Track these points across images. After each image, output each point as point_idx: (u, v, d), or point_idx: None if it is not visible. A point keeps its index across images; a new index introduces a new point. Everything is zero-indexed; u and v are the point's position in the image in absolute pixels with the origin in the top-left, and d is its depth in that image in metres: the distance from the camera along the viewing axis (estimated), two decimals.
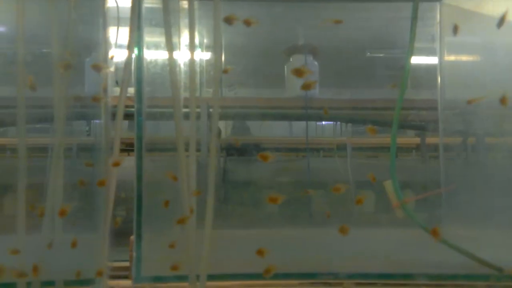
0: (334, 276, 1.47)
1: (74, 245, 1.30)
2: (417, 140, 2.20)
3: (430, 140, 2.14)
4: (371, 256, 1.67)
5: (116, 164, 1.51)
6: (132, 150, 1.80)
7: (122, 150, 1.97)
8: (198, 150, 1.81)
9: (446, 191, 1.81)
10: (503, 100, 1.25)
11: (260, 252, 1.43)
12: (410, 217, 1.65)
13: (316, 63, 2.17)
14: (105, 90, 1.58)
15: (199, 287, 1.67)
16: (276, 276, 1.67)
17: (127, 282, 1.60)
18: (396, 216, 1.66)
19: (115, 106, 1.71)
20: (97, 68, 1.41)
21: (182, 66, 1.85)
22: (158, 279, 1.66)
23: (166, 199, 1.76)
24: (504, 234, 1.69)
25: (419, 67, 1.94)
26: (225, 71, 1.68)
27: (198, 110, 1.91)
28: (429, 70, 1.97)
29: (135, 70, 1.74)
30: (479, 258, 1.65)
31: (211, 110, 2.12)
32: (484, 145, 1.89)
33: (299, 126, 2.34)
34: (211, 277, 1.67)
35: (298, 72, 1.36)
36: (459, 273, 1.70)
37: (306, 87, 1.29)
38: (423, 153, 2.18)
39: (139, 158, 1.63)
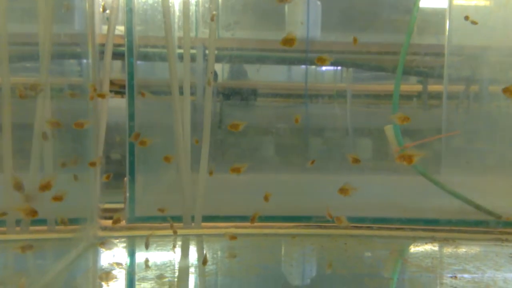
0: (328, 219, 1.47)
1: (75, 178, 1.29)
2: (419, 87, 2.13)
3: (432, 88, 2.08)
4: (367, 201, 1.66)
5: (102, 96, 1.45)
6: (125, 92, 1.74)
7: (116, 92, 1.92)
8: (193, 93, 1.76)
9: (449, 136, 1.77)
10: None
11: (265, 198, 1.43)
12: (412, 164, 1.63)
13: (319, 2, 2.06)
14: (92, 28, 1.50)
15: (194, 227, 1.69)
16: (273, 219, 1.68)
17: (123, 217, 1.61)
18: (396, 161, 1.64)
19: (103, 45, 1.63)
20: None
21: (175, 4, 1.76)
22: (151, 219, 1.67)
23: (160, 141, 1.73)
24: (504, 182, 1.68)
25: (426, 10, 1.84)
26: (211, 19, 1.60)
27: (193, 51, 1.84)
28: (437, 13, 1.87)
29: (125, 6, 1.64)
30: (478, 204, 1.65)
31: (207, 51, 2.05)
32: (488, 93, 1.83)
33: (298, 71, 2.26)
34: (206, 219, 1.68)
35: (320, 60, 1.29)
36: (456, 218, 1.71)
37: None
38: (424, 100, 2.13)
39: (131, 99, 1.58)
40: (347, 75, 2.24)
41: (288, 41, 1.19)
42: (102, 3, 1.54)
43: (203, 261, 1.26)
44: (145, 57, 1.69)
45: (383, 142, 1.71)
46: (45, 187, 1.05)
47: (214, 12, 1.57)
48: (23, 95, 1.13)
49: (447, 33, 1.81)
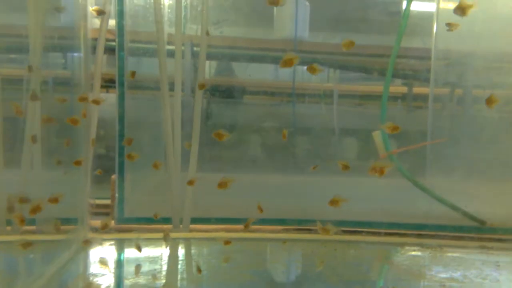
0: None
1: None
2: (403, 89, 2.17)
3: (418, 90, 2.12)
4: (352, 204, 1.68)
5: (96, 103, 1.43)
6: (112, 87, 1.71)
7: (101, 86, 1.88)
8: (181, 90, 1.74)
9: (435, 143, 1.81)
10: None
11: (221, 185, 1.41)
12: (398, 168, 1.65)
13: (307, 3, 2.06)
14: (84, 21, 1.46)
15: (182, 230, 1.67)
16: (261, 222, 1.68)
17: (110, 222, 1.58)
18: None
19: (95, 39, 1.60)
20: None
21: None
22: (140, 220, 1.65)
23: (149, 140, 1.71)
24: (489, 187, 1.73)
25: (414, 13, 1.87)
26: (206, 33, 1.58)
27: (182, 48, 1.82)
28: (424, 17, 1.90)
29: (116, 1, 1.61)
30: (463, 210, 1.69)
31: (195, 49, 2.02)
32: (472, 97, 1.88)
33: (286, 70, 2.26)
34: (194, 221, 1.67)
35: (311, 69, 1.29)
36: (442, 224, 1.75)
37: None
38: (409, 103, 2.16)
39: (121, 96, 1.55)
40: (334, 75, 2.26)
41: (288, 62, 1.19)
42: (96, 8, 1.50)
43: (197, 269, 1.25)
44: (135, 53, 1.66)
45: (370, 143, 1.74)
46: (54, 200, 1.04)
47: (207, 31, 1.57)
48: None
49: (434, 37, 1.85)
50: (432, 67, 1.83)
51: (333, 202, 1.28)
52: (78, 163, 1.36)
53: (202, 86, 1.59)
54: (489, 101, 1.21)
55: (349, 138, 2.14)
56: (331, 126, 2.10)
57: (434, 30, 1.83)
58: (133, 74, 1.46)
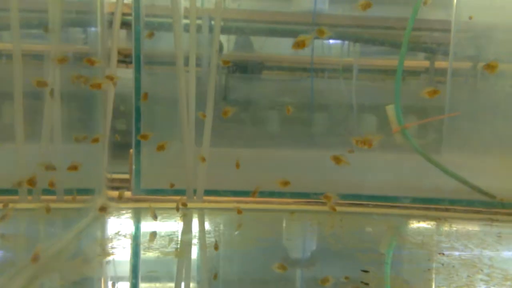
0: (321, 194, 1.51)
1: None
2: (426, 63, 2.12)
3: (440, 64, 2.06)
4: (365, 179, 1.69)
5: (110, 79, 1.46)
6: (131, 62, 1.74)
7: (120, 62, 1.92)
8: (198, 65, 1.76)
9: (449, 117, 1.78)
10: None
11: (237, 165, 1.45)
12: (410, 142, 1.64)
13: None
14: None
15: (196, 201, 1.73)
16: (272, 194, 1.72)
17: (127, 193, 1.65)
18: (396, 141, 1.65)
19: (112, 13, 1.63)
20: None
21: None
22: (156, 192, 1.71)
23: (165, 112, 1.75)
24: (503, 163, 1.70)
25: None
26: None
27: (199, 22, 1.83)
28: None
29: None
30: (474, 184, 1.67)
31: (212, 22, 2.03)
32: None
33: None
34: (208, 192, 1.72)
35: (320, 32, 1.28)
36: (452, 198, 1.74)
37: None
38: (431, 77, 2.11)
39: (137, 69, 1.59)
40: (354, 49, 2.22)
41: (301, 44, 1.19)
42: None
43: (214, 246, 1.29)
44: (151, 27, 1.68)
45: (387, 119, 1.72)
46: (74, 167, 1.09)
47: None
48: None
49: (454, 9, 1.79)
50: (452, 40, 1.78)
51: (335, 159, 1.30)
52: (95, 140, 1.40)
53: (226, 63, 1.61)
54: (488, 67, 1.18)
55: (367, 114, 2.12)
56: (350, 101, 2.08)
57: (455, 2, 1.77)
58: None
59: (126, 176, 1.69)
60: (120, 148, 1.69)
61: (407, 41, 1.54)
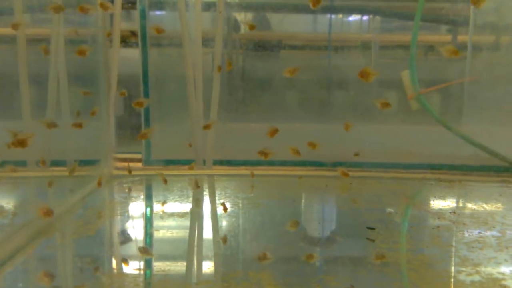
0: (340, 165, 1.50)
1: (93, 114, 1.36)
2: (449, 38, 2.03)
3: (462, 38, 1.97)
4: (382, 148, 1.67)
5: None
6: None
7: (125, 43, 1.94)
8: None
9: (467, 81, 1.70)
10: None
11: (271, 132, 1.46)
12: (425, 108, 1.58)
13: None
14: None
15: (205, 168, 1.75)
16: (284, 163, 1.72)
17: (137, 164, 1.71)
18: (411, 108, 1.61)
19: None
20: None
21: None
22: (166, 162, 1.75)
23: (174, 89, 1.77)
24: None
25: None
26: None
27: None
28: None
29: None
30: (492, 150, 1.60)
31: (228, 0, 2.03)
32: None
33: (322, 21, 2.20)
34: (217, 162, 1.75)
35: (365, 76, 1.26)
36: (469, 164, 1.68)
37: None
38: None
39: (144, 50, 1.62)
40: (373, 25, 2.16)
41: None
42: None
43: (223, 208, 1.32)
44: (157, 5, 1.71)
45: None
46: (78, 125, 1.14)
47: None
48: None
49: None
50: (472, 12, 1.70)
51: (363, 74, 1.26)
52: (93, 113, 1.44)
53: (252, 27, 1.62)
54: (447, 50, 1.15)
55: (386, 90, 2.06)
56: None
57: None
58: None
59: (136, 155, 1.74)
60: (130, 129, 1.74)
61: (420, 13, 1.48)
